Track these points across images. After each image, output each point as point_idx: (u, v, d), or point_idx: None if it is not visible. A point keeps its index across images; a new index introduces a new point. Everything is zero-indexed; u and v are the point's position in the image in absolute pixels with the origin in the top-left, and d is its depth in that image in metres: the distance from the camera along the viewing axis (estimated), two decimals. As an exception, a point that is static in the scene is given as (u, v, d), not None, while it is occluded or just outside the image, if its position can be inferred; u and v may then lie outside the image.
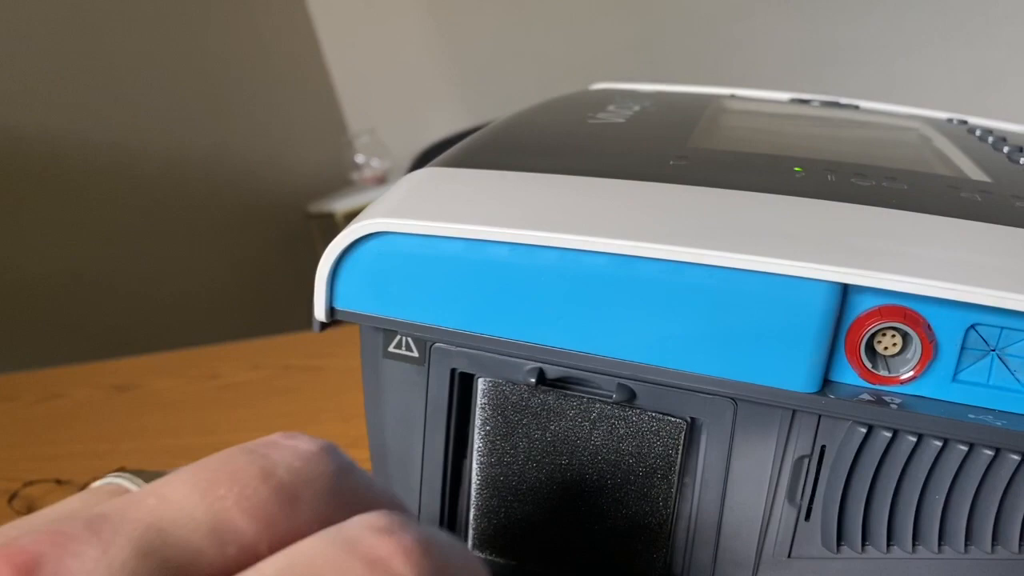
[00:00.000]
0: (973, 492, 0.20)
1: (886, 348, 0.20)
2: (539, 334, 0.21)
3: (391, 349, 0.24)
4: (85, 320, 1.53)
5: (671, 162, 0.25)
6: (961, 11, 1.58)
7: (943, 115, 0.42)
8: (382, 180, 2.11)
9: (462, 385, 0.24)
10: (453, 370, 0.24)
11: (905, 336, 0.20)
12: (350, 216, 1.86)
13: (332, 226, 1.93)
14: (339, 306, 0.23)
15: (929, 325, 0.19)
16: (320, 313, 0.23)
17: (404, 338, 0.24)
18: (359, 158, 2.13)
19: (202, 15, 1.89)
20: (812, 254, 0.19)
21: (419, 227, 0.21)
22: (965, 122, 0.40)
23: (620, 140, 0.29)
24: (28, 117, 1.48)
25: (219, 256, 1.85)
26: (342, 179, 2.16)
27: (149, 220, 1.69)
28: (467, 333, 0.22)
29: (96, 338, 1.48)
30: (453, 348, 0.23)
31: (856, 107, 0.43)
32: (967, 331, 0.20)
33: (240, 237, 1.91)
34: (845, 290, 0.19)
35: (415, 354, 0.24)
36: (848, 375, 0.20)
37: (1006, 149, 0.31)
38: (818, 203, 0.22)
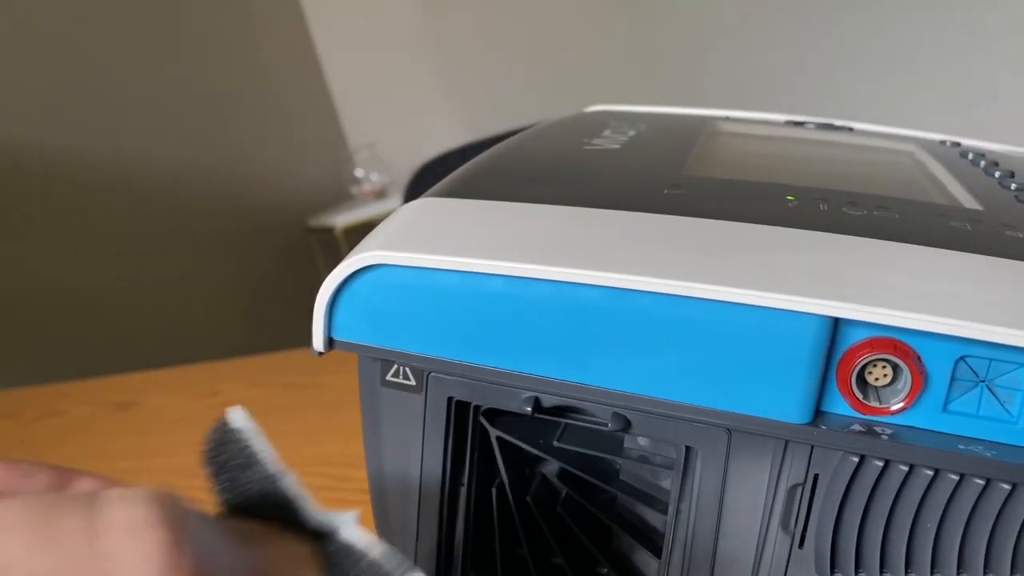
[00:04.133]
0: (964, 521, 0.21)
1: (877, 379, 0.20)
2: (534, 365, 0.22)
3: (388, 378, 0.24)
4: (85, 336, 1.53)
5: (665, 191, 0.26)
6: (956, 27, 1.59)
7: (937, 136, 0.42)
8: (381, 194, 2.12)
9: (459, 412, 0.24)
10: (450, 398, 0.24)
11: (895, 367, 0.20)
12: (349, 230, 1.87)
13: (332, 240, 1.94)
14: (337, 336, 0.23)
15: (919, 357, 0.20)
16: (319, 344, 0.23)
17: (401, 367, 0.24)
18: (358, 172, 2.13)
19: (202, 30, 1.90)
20: (804, 288, 0.19)
21: (415, 259, 0.21)
22: (958, 144, 0.40)
23: (615, 168, 0.30)
24: (27, 133, 1.49)
25: (219, 270, 1.86)
26: (342, 193, 2.17)
27: (149, 235, 1.70)
28: (463, 363, 0.22)
29: (96, 354, 1.49)
30: (450, 377, 0.23)
31: (850, 129, 0.43)
32: (957, 362, 0.20)
33: (240, 252, 1.92)
34: (836, 323, 0.20)
35: (412, 383, 0.24)
36: (840, 406, 0.21)
37: (997, 174, 0.31)
38: (810, 235, 0.22)
